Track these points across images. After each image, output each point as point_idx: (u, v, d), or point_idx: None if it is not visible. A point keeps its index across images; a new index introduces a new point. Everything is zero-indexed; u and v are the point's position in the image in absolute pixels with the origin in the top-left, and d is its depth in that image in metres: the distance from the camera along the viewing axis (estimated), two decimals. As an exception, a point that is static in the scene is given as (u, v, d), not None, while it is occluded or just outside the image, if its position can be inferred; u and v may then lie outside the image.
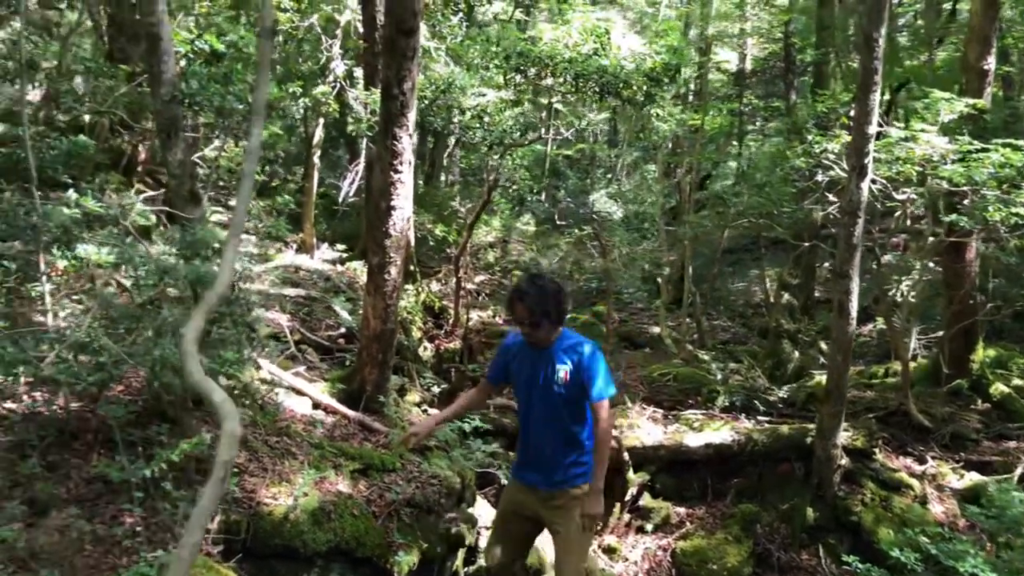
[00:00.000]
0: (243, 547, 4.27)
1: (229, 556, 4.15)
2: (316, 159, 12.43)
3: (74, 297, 4.82)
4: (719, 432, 7.61)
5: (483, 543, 6.05)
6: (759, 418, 8.23)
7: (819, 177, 8.30)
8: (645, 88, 7.78)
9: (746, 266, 17.16)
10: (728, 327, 14.65)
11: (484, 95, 8.62)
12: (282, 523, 4.42)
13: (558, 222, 15.34)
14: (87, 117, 7.55)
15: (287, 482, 4.79)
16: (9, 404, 4.40)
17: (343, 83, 10.78)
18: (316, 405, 6.02)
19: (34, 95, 8.68)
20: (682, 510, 7.25)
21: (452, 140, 12.24)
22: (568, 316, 3.71)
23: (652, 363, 10.65)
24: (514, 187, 10.80)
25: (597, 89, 7.82)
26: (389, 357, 6.22)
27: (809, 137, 8.05)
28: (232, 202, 11.56)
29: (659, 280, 14.35)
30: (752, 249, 16.23)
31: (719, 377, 9.50)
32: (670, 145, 13.39)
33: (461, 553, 5.53)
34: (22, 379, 4.23)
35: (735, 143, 16.88)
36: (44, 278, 4.42)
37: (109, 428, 4.32)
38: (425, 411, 7.07)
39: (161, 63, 5.42)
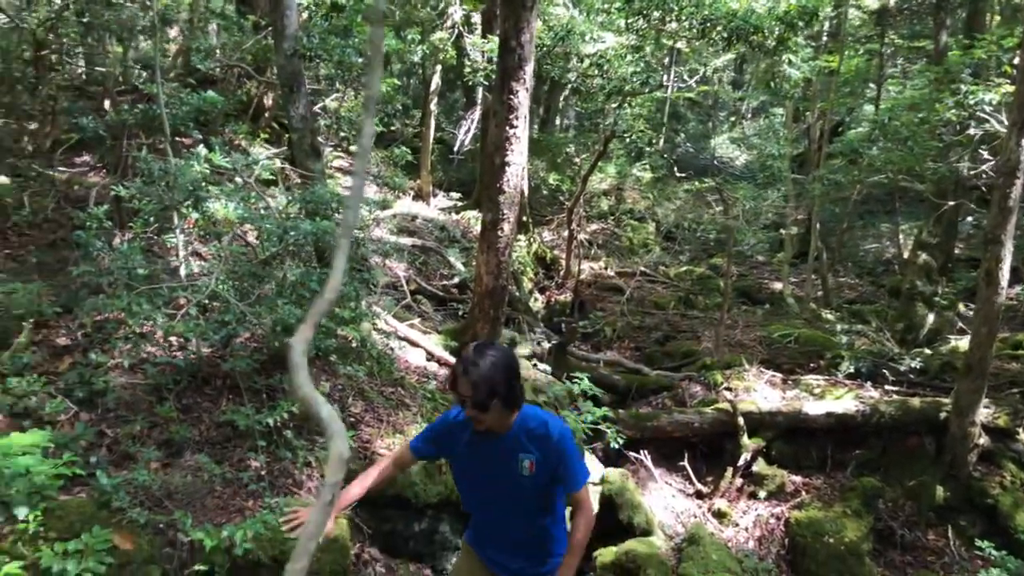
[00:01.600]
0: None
1: (345, 504, 4.32)
2: (433, 106, 12.48)
3: (203, 250, 5.06)
4: (842, 401, 7.23)
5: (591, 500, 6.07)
6: (887, 387, 7.75)
7: (971, 131, 7.53)
8: (777, 33, 7.24)
9: (878, 220, 16.07)
10: (856, 285, 13.85)
11: (603, 41, 8.30)
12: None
13: (676, 172, 14.80)
14: (217, 70, 7.83)
15: (400, 433, 4.92)
16: (150, 348, 4.70)
17: (461, 29, 10.67)
18: (430, 357, 6.13)
19: (170, 48, 9.08)
20: (798, 479, 6.99)
21: (569, 88, 11.94)
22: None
23: (771, 322, 10.22)
24: (632, 137, 10.45)
25: (725, 35, 7.34)
26: (501, 313, 6.23)
27: (963, 88, 7.27)
28: (353, 148, 11.82)
29: (782, 232, 13.68)
30: (886, 202, 15.16)
31: (844, 340, 9.00)
32: (800, 90, 12.55)
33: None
34: (159, 322, 4.51)
35: (872, 87, 15.64)
36: (178, 231, 4.63)
37: (236, 375, 4.55)
38: (535, 364, 7.08)
39: (284, 18, 5.48)
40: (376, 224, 8.21)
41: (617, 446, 5.41)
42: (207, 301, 4.03)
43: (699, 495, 7.05)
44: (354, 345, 4.97)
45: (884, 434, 7.03)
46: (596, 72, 8.54)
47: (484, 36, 9.78)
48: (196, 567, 3.32)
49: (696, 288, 12.17)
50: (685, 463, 7.27)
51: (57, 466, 2.65)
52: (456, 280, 8.44)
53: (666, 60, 13.33)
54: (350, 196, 1.19)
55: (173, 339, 4.71)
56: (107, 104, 8.28)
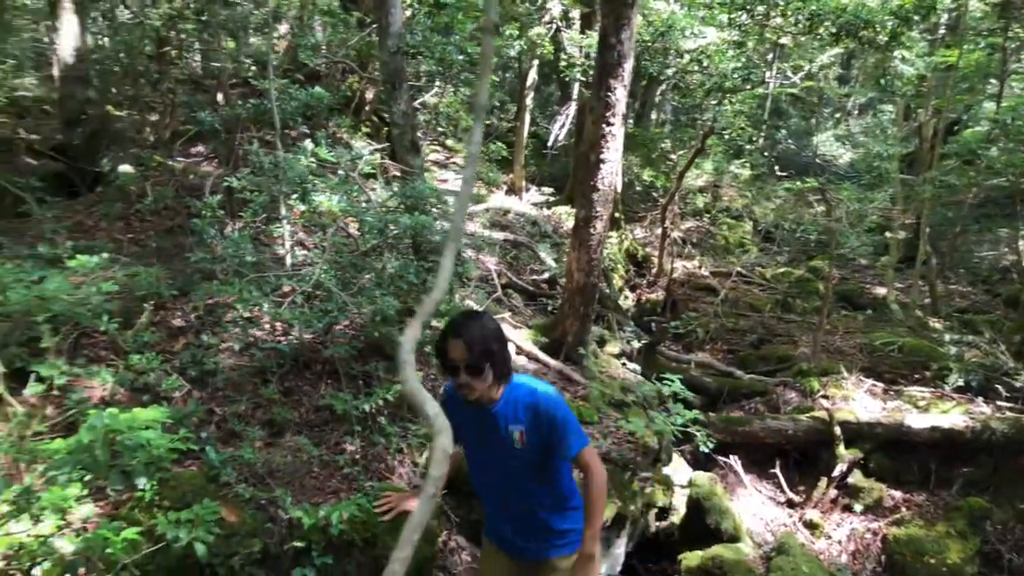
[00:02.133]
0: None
1: (435, 491, 4.43)
2: (528, 101, 12.53)
3: (307, 240, 5.27)
4: (949, 415, 6.88)
5: (677, 503, 6.01)
6: (999, 403, 7.31)
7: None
8: (890, 27, 6.91)
9: (996, 225, 15.12)
10: (968, 293, 13.09)
11: (704, 37, 8.13)
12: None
13: (776, 171, 14.35)
14: (322, 65, 8.12)
15: (489, 426, 4.99)
16: (256, 332, 4.94)
17: (559, 24, 10.67)
18: (519, 351, 6.19)
19: (279, 44, 9.47)
20: (897, 494, 6.70)
21: (667, 84, 11.76)
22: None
23: (874, 329, 9.80)
24: (731, 135, 10.21)
25: (833, 30, 7.06)
26: (590, 310, 6.23)
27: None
28: (449, 142, 12.04)
29: (888, 236, 13.07)
30: (1005, 205, 14.23)
31: (953, 351, 8.53)
32: (912, 87, 11.91)
33: (653, 513, 5.52)
34: (265, 308, 4.74)
35: (993, 83, 14.69)
36: (284, 221, 4.85)
37: (336, 360, 4.73)
38: (624, 363, 7.04)
39: (388, 15, 5.63)
40: (470, 218, 8.33)
41: (707, 450, 5.33)
42: (311, 289, 4.20)
43: (790, 504, 6.87)
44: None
45: (995, 452, 6.65)
46: (696, 68, 8.38)
47: (583, 31, 9.75)
48: (294, 543, 3.48)
49: (794, 291, 11.79)
50: (777, 470, 7.10)
51: (173, 440, 2.84)
52: (546, 275, 8.47)
53: (769, 56, 12.94)
54: (457, 202, 1.23)
55: (278, 325, 4.94)
56: (220, 97, 8.70)
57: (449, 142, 12.12)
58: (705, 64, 8.30)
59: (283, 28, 8.61)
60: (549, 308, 7.75)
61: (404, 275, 4.34)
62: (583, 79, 9.42)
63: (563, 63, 10.76)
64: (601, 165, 5.71)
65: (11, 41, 15.24)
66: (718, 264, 13.01)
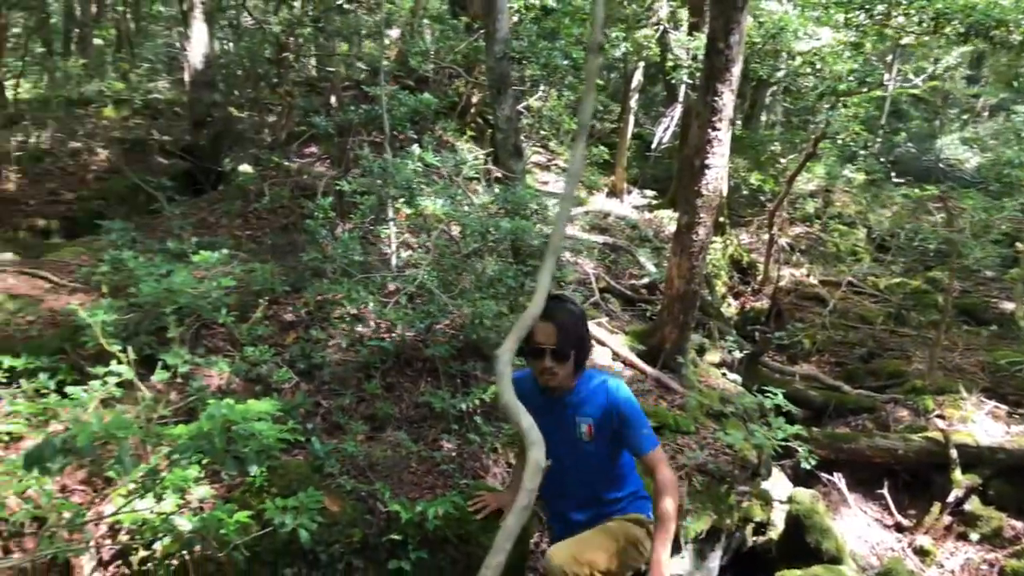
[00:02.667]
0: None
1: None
2: (633, 103, 12.43)
3: (412, 242, 5.43)
4: (1081, 443, 6.38)
5: (776, 519, 5.84)
6: None
7: None
8: (1026, 26, 6.46)
9: None
10: (1109, 311, 12.03)
11: (818, 38, 7.83)
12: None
13: (893, 176, 13.64)
14: (430, 70, 8.33)
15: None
16: (361, 329, 5.14)
17: (666, 26, 10.53)
18: (615, 356, 6.16)
19: (389, 49, 9.77)
20: (1020, 524, 6.27)
21: (778, 86, 11.40)
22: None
23: (998, 346, 9.18)
24: (845, 139, 9.79)
25: (961, 30, 6.65)
26: (690, 318, 6.13)
27: None
28: (551, 144, 12.08)
29: (1018, 247, 12.18)
30: None
31: (1089, 374, 7.90)
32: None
33: (750, 528, 5.38)
34: (370, 307, 4.92)
35: None
36: (391, 223, 5.01)
37: (435, 359, 4.86)
38: (724, 374, 6.89)
39: (496, 21, 5.71)
40: (569, 222, 8.35)
41: (809, 466, 5.15)
42: (415, 289, 4.33)
43: (899, 528, 6.55)
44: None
45: None
46: (809, 70, 8.09)
47: (690, 33, 9.58)
48: (391, 535, 3.60)
49: (909, 303, 11.18)
50: (884, 492, 6.78)
51: (282, 431, 2.99)
52: (646, 280, 8.38)
53: (888, 56, 12.32)
54: (557, 219, 1.25)
55: (382, 323, 5.12)
56: (332, 100, 9.08)
57: (551, 144, 12.17)
58: (818, 66, 8.00)
59: (394, 33, 8.88)
60: (648, 314, 7.67)
61: (503, 278, 4.41)
62: (690, 81, 9.26)
63: (669, 65, 10.61)
64: (706, 171, 5.61)
65: (146, 47, 16.38)
66: (828, 273, 12.49)
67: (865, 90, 8.56)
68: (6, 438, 3.54)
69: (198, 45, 7.90)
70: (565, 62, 5.78)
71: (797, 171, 10.38)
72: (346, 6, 6.43)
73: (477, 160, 5.93)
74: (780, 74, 8.41)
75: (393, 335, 5.04)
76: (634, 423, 2.71)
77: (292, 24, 9.16)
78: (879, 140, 13.62)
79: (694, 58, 9.12)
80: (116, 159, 8.06)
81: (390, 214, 4.95)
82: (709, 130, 5.54)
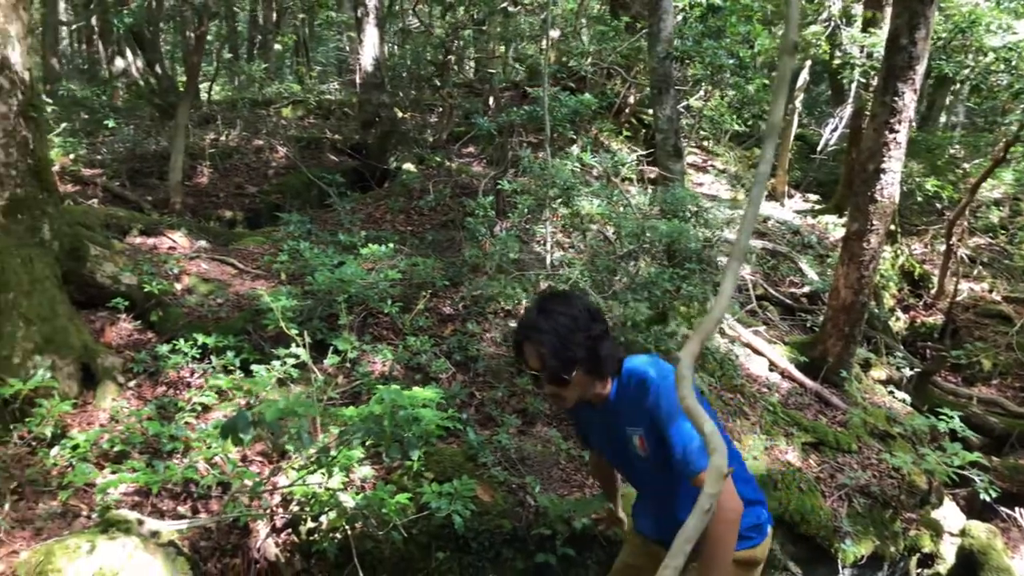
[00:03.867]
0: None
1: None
2: (797, 103, 11.87)
3: (566, 242, 5.47)
4: None
5: (945, 551, 5.40)
6: None
7: None
8: None
9: None
10: None
11: (1015, 32, 7.14)
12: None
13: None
14: (589, 70, 8.37)
15: (738, 442, 4.85)
16: (514, 324, 5.25)
17: (837, 21, 9.97)
18: (772, 367, 5.92)
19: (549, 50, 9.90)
20: None
21: (963, 85, 10.49)
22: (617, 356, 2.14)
23: None
24: (1042, 142, 8.86)
25: None
26: (857, 331, 5.78)
27: None
28: (709, 145, 11.78)
29: None
30: None
31: None
32: None
33: (915, 559, 5.01)
34: (524, 303, 5.01)
35: None
36: (547, 223, 5.08)
37: (586, 360, 4.87)
38: (891, 391, 6.44)
39: (660, 21, 5.65)
40: (726, 225, 8.11)
41: (988, 499, 4.72)
42: (570, 287, 4.37)
43: (1092, 576, 5.86)
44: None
45: None
46: (1002, 67, 7.39)
47: (865, 29, 9.01)
48: (540, 529, 3.65)
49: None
50: (1076, 534, 6.09)
51: (442, 418, 3.10)
52: (807, 289, 7.98)
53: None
54: (742, 223, 1.23)
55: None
56: (491, 100, 9.32)
57: (708, 145, 11.85)
58: (1013, 63, 7.28)
59: (554, 34, 8.98)
60: (808, 324, 7.31)
61: (657, 281, 4.35)
62: (863, 80, 8.72)
63: (838, 63, 10.05)
64: (881, 175, 5.28)
65: (320, 52, 17.50)
66: (1014, 288, 11.37)
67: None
68: (199, 408, 3.90)
69: (369, 48, 8.34)
70: (731, 61, 5.62)
71: (983, 177, 9.52)
72: (511, 9, 6.56)
73: (634, 160, 5.87)
74: (968, 72, 7.74)
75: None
76: (674, 432, 1.99)
77: (456, 27, 9.49)
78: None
79: (868, 55, 8.58)
80: (293, 157, 8.66)
81: (547, 213, 5.01)
82: (886, 132, 5.20)
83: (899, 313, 9.52)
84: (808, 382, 5.74)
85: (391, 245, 4.90)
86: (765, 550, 2.23)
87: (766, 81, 6.31)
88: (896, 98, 5.09)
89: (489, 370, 4.77)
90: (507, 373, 4.81)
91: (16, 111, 4.20)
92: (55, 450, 3.40)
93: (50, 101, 9.16)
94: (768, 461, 4.72)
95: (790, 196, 11.75)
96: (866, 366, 6.74)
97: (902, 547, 4.79)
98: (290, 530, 3.69)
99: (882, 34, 8.00)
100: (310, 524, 3.56)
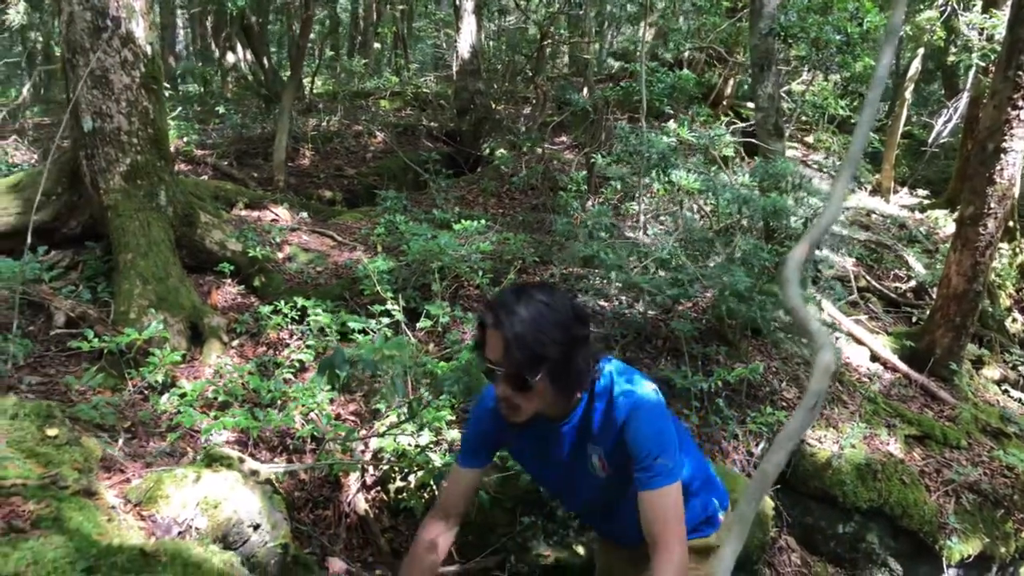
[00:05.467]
0: (782, 479, 4.35)
1: (768, 484, 4.27)
2: (907, 94, 11.31)
3: (661, 217, 5.39)
4: None
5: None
6: None
7: None
8: None
9: None
10: None
11: None
12: (824, 468, 4.34)
13: None
14: (687, 53, 8.22)
15: (834, 429, 4.67)
16: (602, 303, 5.21)
17: (954, 6, 9.45)
18: (874, 358, 5.66)
19: (649, 34, 9.79)
20: None
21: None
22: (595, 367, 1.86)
23: None
24: None
25: None
26: (969, 322, 5.45)
27: None
28: (809, 139, 11.37)
29: None
30: None
31: None
32: None
33: (1030, 563, 4.68)
34: (615, 282, 4.98)
35: None
36: (640, 197, 5.01)
37: (676, 339, 4.79)
38: (1006, 391, 6.06)
39: (764, -4, 5.49)
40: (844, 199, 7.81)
41: (1116, 503, 4.37)
42: (667, 256, 4.29)
43: None
44: (796, 327, 4.84)
45: None
46: None
47: (986, 10, 8.51)
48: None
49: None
50: None
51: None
52: (912, 283, 7.59)
53: None
54: (832, 195, 1.16)
55: (623, 298, 5.15)
56: (584, 92, 9.29)
57: (808, 139, 11.44)
58: None
59: (653, 17, 8.86)
60: (913, 319, 6.95)
61: (757, 254, 4.21)
62: (982, 64, 8.23)
63: (954, 50, 9.53)
64: (1001, 155, 4.96)
65: (417, 48, 17.90)
66: None
67: None
68: (296, 365, 4.05)
69: (466, 36, 8.47)
70: (838, 37, 5.40)
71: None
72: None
73: (731, 140, 5.72)
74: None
75: (634, 311, 5.05)
76: (641, 445, 1.77)
77: (552, 15, 9.50)
78: None
79: (989, 39, 8.10)
80: (390, 142, 8.88)
81: (641, 188, 4.95)
82: (1008, 109, 4.89)
83: (1016, 314, 8.92)
84: (913, 374, 5.46)
85: (483, 222, 4.95)
86: (720, 537, 2.07)
87: (871, 62, 6.01)
88: (1021, 72, 4.78)
89: (578, 345, 4.75)
90: (596, 349, 4.77)
91: (138, 83, 4.47)
92: (165, 397, 3.59)
93: (168, 86, 9.71)
94: (868, 451, 4.51)
95: (895, 192, 11.21)
96: (978, 363, 6.36)
97: (1013, 548, 4.49)
98: (379, 487, 3.77)
99: (1003, 15, 7.53)
100: (399, 483, 3.63)
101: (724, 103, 10.36)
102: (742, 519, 1.13)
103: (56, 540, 1.61)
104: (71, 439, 2.13)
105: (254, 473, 2.94)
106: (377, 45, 17.64)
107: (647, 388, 1.86)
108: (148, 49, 4.50)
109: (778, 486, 4.26)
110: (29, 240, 3.73)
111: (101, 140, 4.40)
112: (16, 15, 6.66)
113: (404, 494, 3.60)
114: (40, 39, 14.11)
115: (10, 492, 1.78)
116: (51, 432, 2.09)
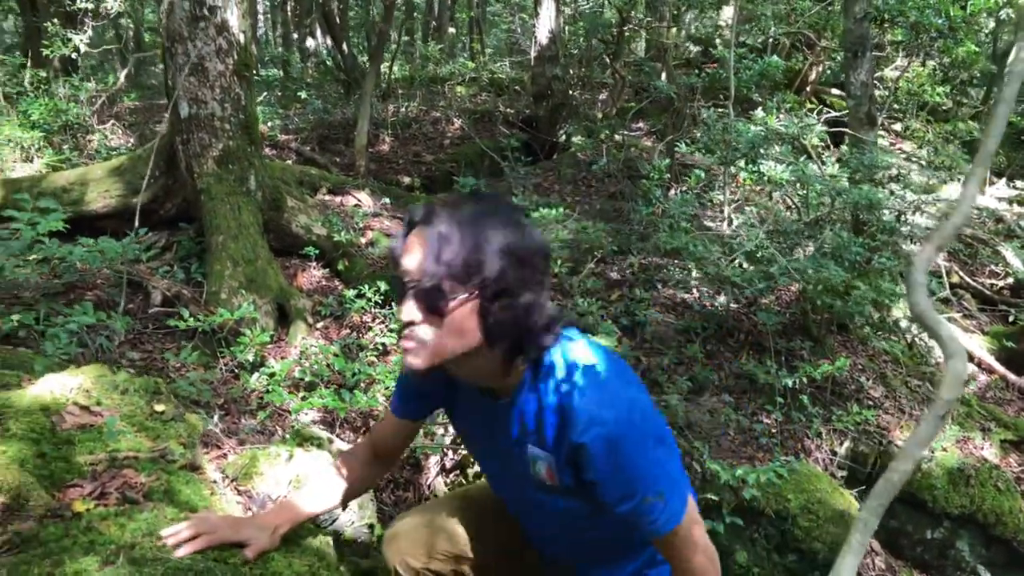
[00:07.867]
0: (867, 479, 4.21)
1: (852, 484, 4.15)
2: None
3: (747, 208, 5.26)
4: None
5: None
6: None
7: None
8: None
9: None
10: None
11: None
12: (913, 471, 4.18)
13: None
14: (773, 39, 7.97)
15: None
16: (683, 295, 5.13)
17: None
18: (969, 358, 5.41)
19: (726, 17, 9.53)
20: None
21: None
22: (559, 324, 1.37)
23: None
24: None
25: None
26: (1075, 322, 5.15)
27: None
28: (896, 127, 10.89)
29: None
30: None
31: None
32: None
33: None
34: (694, 273, 4.89)
35: None
36: (726, 187, 4.90)
37: (759, 333, 4.69)
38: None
39: (860, -22, 5.26)
40: (917, 210, 7.49)
41: None
42: (754, 249, 4.19)
43: None
44: (884, 323, 4.66)
45: None
46: None
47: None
48: (708, 495, 3.55)
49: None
50: None
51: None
52: (1010, 280, 7.20)
53: None
54: (962, 196, 1.10)
55: (705, 290, 5.06)
56: (663, 77, 9.12)
57: (896, 127, 10.97)
58: None
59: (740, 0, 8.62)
60: (1011, 319, 6.61)
61: (849, 248, 4.07)
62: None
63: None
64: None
65: (492, 34, 17.91)
66: None
67: None
68: (380, 348, 4.12)
69: (545, 20, 8.40)
70: (939, 20, 5.13)
71: None
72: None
73: (821, 129, 5.53)
74: None
75: (716, 304, 4.95)
76: (625, 485, 1.33)
77: (629, 1, 9.34)
78: None
79: (1103, 20, 7.57)
80: (467, 128, 8.91)
81: (727, 177, 4.84)
82: None
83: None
84: (1012, 376, 5.20)
85: (561, 210, 4.92)
86: None
87: (974, 48, 5.68)
88: None
89: (656, 336, 4.69)
90: (675, 341, 4.71)
91: (231, 70, 4.60)
92: (255, 376, 3.71)
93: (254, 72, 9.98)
94: (961, 455, 4.32)
95: (992, 183, 10.65)
96: (1081, 366, 6.00)
97: (1118, 563, 4.25)
98: (458, 471, 3.83)
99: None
100: (476, 467, 3.67)
101: (808, 89, 10.01)
102: (864, 528, 1.10)
103: (168, 512, 1.68)
104: (176, 415, 2.21)
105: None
106: (452, 30, 17.72)
107: (620, 396, 1.33)
108: (241, 37, 4.63)
109: (862, 486, 4.13)
110: (136, 223, 3.89)
111: (196, 125, 4.55)
112: (114, 3, 6.92)
113: (483, 479, 3.63)
114: (131, 27, 14.70)
115: (124, 464, 1.86)
116: (159, 407, 2.18)
